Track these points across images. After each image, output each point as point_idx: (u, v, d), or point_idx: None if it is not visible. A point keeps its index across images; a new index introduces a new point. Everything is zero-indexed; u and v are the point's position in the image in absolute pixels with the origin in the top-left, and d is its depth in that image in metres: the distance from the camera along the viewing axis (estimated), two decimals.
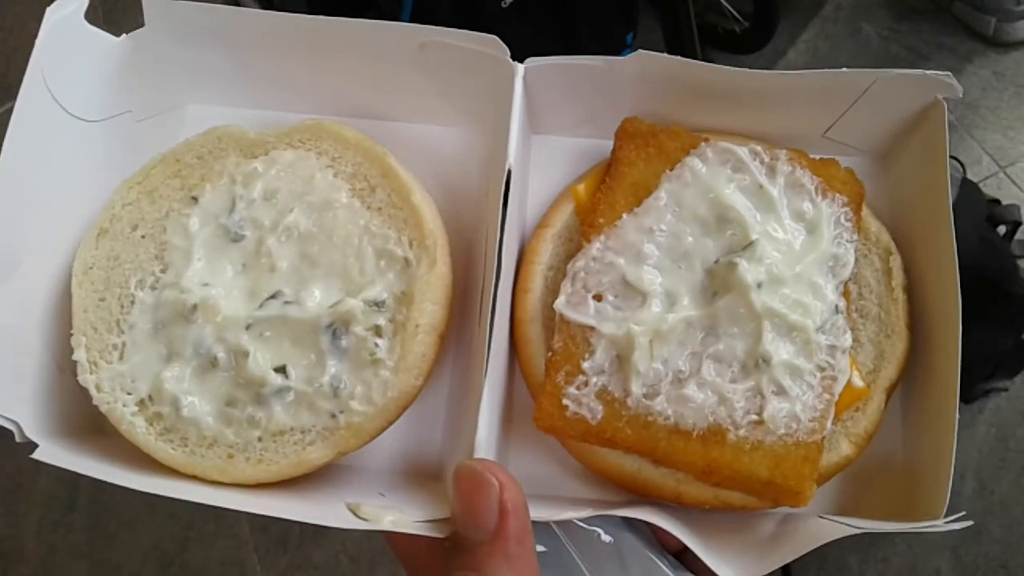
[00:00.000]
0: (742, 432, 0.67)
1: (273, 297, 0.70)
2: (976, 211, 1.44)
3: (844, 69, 0.73)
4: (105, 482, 0.61)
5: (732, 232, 0.72)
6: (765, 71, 0.74)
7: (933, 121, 0.75)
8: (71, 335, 0.70)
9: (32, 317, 0.70)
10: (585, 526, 0.67)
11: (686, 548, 0.64)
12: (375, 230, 0.72)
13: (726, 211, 0.72)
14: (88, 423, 0.72)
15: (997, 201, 1.56)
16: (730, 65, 0.73)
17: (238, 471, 0.67)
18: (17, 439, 0.64)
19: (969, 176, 1.55)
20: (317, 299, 0.70)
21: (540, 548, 0.63)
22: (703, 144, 0.75)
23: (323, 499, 0.69)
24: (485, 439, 0.63)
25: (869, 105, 0.76)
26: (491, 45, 0.73)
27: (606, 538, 0.67)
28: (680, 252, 0.72)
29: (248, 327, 0.69)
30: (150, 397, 0.69)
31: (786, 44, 2.17)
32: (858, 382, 0.73)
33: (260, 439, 0.68)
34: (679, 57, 0.73)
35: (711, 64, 0.74)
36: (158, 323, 0.70)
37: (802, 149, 0.76)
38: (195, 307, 0.69)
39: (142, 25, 0.77)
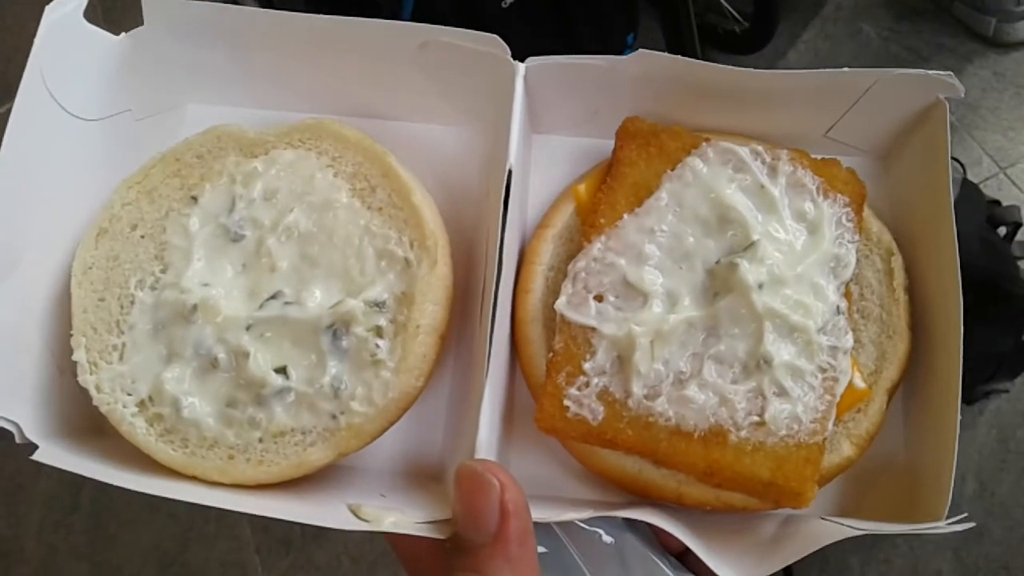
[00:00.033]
0: (743, 433, 0.67)
1: (273, 297, 0.70)
2: (976, 212, 1.44)
3: (845, 69, 0.73)
4: (106, 483, 0.61)
5: (733, 232, 0.72)
6: (767, 71, 0.73)
7: (935, 121, 0.74)
8: (71, 335, 0.70)
9: (32, 317, 0.70)
10: (586, 527, 0.66)
11: (688, 549, 0.63)
12: (375, 230, 0.72)
13: (727, 211, 0.72)
14: (88, 424, 0.72)
15: (997, 202, 1.56)
16: (730, 65, 0.73)
17: (238, 472, 0.67)
18: (17, 440, 0.64)
19: (969, 177, 1.55)
20: (318, 299, 0.70)
21: (541, 549, 0.63)
22: (704, 144, 0.75)
23: (324, 500, 0.68)
24: (486, 440, 0.63)
25: (870, 105, 0.76)
26: (492, 44, 0.73)
27: (607, 539, 0.66)
28: (681, 252, 0.72)
29: (248, 328, 0.69)
30: (150, 398, 0.69)
31: (786, 44, 2.17)
32: (859, 383, 0.72)
33: (261, 440, 0.67)
34: (680, 56, 0.73)
35: (712, 64, 0.74)
36: (158, 323, 0.70)
37: (803, 149, 0.76)
38: (195, 307, 0.69)
39: (142, 24, 0.76)
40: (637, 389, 0.67)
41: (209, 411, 0.68)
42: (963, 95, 0.73)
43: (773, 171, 0.74)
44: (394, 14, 1.47)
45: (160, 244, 0.73)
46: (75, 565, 1.88)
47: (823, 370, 0.68)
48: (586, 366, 0.68)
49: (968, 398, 1.73)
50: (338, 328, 0.68)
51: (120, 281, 0.72)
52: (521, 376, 0.77)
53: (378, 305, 0.69)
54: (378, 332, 0.69)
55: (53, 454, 0.62)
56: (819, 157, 0.76)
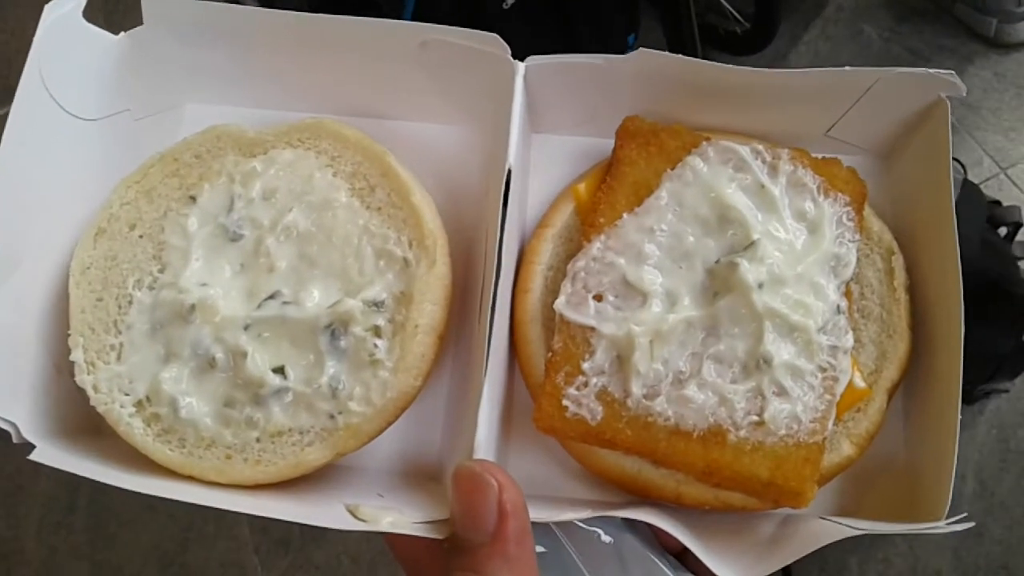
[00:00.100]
0: (743, 433, 0.66)
1: (272, 297, 0.70)
2: (977, 212, 1.44)
3: (847, 68, 0.73)
4: (104, 483, 0.61)
5: (733, 232, 0.71)
6: (767, 69, 0.73)
7: (936, 120, 0.74)
8: (68, 335, 0.70)
9: (29, 317, 0.70)
10: (585, 527, 0.66)
11: (686, 549, 0.63)
12: (374, 230, 0.72)
13: (727, 211, 0.72)
14: (86, 424, 0.72)
15: (998, 202, 1.56)
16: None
17: (236, 472, 0.67)
18: (14, 440, 0.63)
19: (970, 177, 1.55)
20: (316, 299, 0.70)
21: (540, 549, 0.63)
22: (704, 143, 0.75)
23: (322, 500, 0.68)
24: (484, 440, 0.63)
25: (872, 104, 0.76)
26: (492, 43, 0.73)
27: (606, 539, 0.66)
28: (681, 252, 0.72)
29: (246, 327, 0.68)
30: (148, 398, 0.68)
31: (787, 45, 2.17)
32: (860, 383, 0.72)
33: (258, 440, 0.67)
34: (680, 55, 0.73)
35: (712, 62, 0.73)
36: (156, 323, 0.70)
37: (804, 148, 0.76)
38: (193, 307, 0.68)
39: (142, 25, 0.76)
40: (636, 389, 0.67)
41: (207, 411, 0.68)
42: (964, 94, 0.73)
43: (773, 170, 0.74)
44: (395, 14, 1.47)
45: (158, 244, 0.73)
46: (75, 565, 1.88)
47: (823, 370, 0.68)
48: (585, 366, 0.68)
49: (968, 398, 1.73)
50: (336, 328, 0.68)
51: (118, 281, 0.72)
52: (520, 376, 0.77)
53: (376, 305, 0.69)
54: (376, 332, 0.68)
55: (50, 454, 0.62)
56: (820, 156, 0.76)
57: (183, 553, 1.87)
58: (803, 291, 0.69)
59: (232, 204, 0.73)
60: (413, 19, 1.47)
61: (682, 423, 0.67)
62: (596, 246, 0.72)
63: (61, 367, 0.71)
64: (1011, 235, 1.52)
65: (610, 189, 0.75)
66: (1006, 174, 2.03)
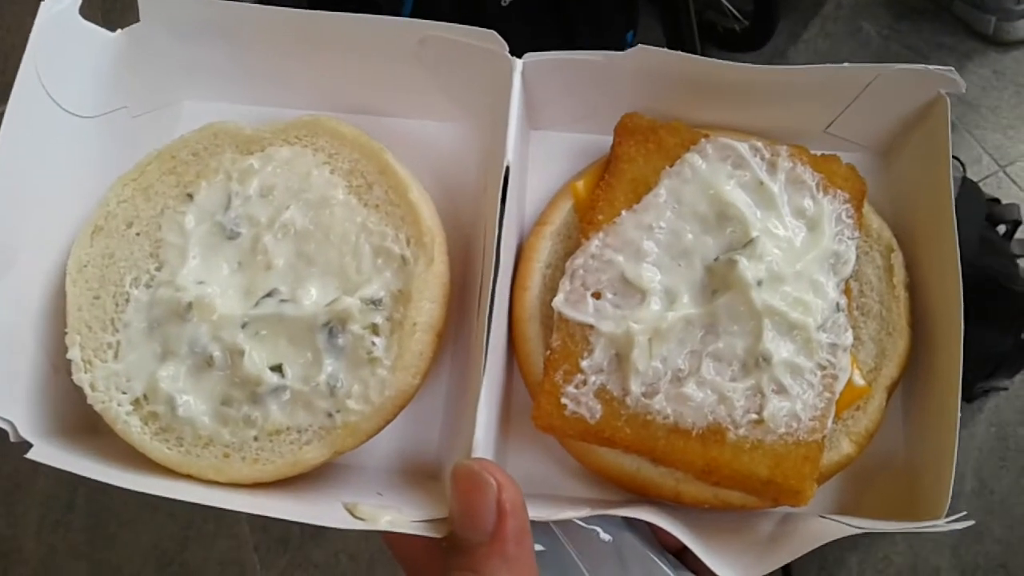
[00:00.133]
0: (742, 431, 0.66)
1: (269, 295, 0.69)
2: (976, 210, 1.44)
3: (846, 64, 0.73)
4: (103, 482, 0.60)
5: (732, 229, 0.71)
6: (766, 66, 0.73)
7: (935, 117, 0.74)
8: (65, 334, 0.69)
9: (26, 315, 0.69)
10: (584, 525, 0.66)
11: (686, 547, 0.63)
12: (372, 227, 0.71)
13: (726, 208, 0.71)
14: (83, 422, 0.72)
15: (997, 200, 1.56)
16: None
17: (234, 471, 0.66)
18: (11, 439, 0.63)
19: (969, 175, 1.55)
20: (313, 297, 0.69)
21: (539, 547, 0.63)
22: (703, 140, 0.74)
23: (320, 499, 0.68)
24: (483, 438, 0.62)
25: (871, 100, 0.76)
26: (490, 40, 0.73)
27: (605, 537, 0.66)
28: (680, 249, 0.72)
29: (244, 325, 0.68)
30: (145, 396, 0.68)
31: (786, 43, 2.17)
32: (859, 380, 0.72)
33: (256, 438, 0.67)
34: (679, 52, 0.73)
35: (711, 59, 0.73)
36: (153, 321, 0.70)
37: (803, 145, 0.76)
38: (190, 305, 0.68)
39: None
40: (635, 387, 0.67)
41: (204, 409, 0.67)
42: (964, 90, 0.73)
43: (772, 167, 0.73)
44: (394, 12, 1.47)
45: (156, 241, 0.73)
46: (74, 564, 1.88)
47: (822, 367, 0.68)
48: (584, 364, 0.68)
49: (967, 396, 1.72)
50: (334, 326, 0.68)
51: (115, 279, 0.72)
52: (518, 374, 0.76)
53: (374, 303, 0.69)
54: (374, 330, 0.68)
55: (48, 453, 0.62)
56: (819, 153, 0.76)
57: (182, 552, 1.87)
58: (802, 289, 0.69)
59: (229, 202, 0.73)
60: (412, 16, 1.46)
61: (681, 421, 0.67)
62: (595, 243, 0.72)
63: (58, 365, 0.70)
64: (1010, 233, 1.52)
65: (609, 186, 0.75)
66: (1005, 172, 2.03)
